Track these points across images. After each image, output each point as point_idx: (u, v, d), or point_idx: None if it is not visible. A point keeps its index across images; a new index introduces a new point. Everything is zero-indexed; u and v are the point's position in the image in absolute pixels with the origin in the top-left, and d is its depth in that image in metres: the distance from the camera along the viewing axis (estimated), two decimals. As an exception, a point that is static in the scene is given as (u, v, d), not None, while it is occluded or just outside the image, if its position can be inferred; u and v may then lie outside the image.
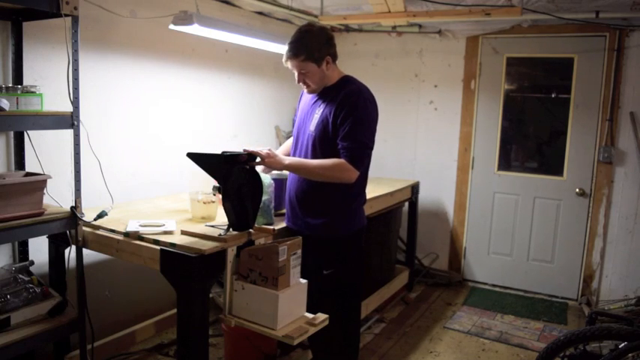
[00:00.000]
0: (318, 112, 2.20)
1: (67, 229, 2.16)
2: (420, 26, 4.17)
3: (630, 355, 2.11)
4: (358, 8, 3.70)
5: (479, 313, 3.78)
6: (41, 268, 2.41)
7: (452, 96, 4.27)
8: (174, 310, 2.31)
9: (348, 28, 4.44)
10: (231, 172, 1.93)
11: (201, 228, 2.13)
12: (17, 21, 2.28)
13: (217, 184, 1.98)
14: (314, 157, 2.20)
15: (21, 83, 2.29)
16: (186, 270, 1.89)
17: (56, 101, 2.30)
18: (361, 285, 2.47)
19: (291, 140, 2.54)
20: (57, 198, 2.37)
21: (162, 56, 3.09)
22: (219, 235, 1.98)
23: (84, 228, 2.22)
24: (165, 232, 2.10)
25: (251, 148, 2.06)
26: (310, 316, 2.03)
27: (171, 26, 2.47)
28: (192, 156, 1.94)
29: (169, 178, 3.19)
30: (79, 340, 2.29)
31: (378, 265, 3.61)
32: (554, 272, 4.09)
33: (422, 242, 4.45)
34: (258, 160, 2.05)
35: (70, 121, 2.07)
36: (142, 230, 2.11)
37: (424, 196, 4.34)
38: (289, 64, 2.19)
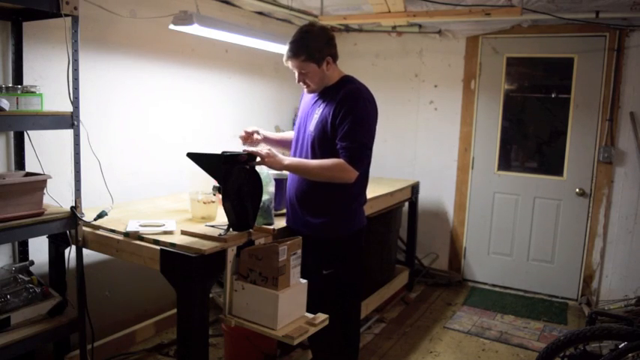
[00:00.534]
0: (318, 112, 2.20)
1: (67, 229, 2.16)
2: (420, 26, 4.17)
3: (630, 355, 2.11)
4: (358, 8, 3.70)
5: (479, 313, 3.78)
6: (41, 268, 2.41)
7: (452, 96, 4.27)
8: (174, 310, 2.31)
9: (348, 28, 4.44)
10: (231, 172, 1.93)
11: (201, 228, 2.13)
12: (17, 21, 2.27)
13: (217, 184, 1.98)
14: (313, 157, 2.20)
15: (21, 83, 2.29)
16: (186, 270, 1.89)
17: (56, 101, 2.30)
18: (361, 285, 2.47)
19: (288, 133, 2.55)
20: (57, 198, 2.37)
21: (162, 56, 3.09)
22: (219, 235, 1.98)
23: (84, 228, 2.22)
24: (165, 232, 2.10)
25: (251, 148, 2.07)
26: (310, 316, 2.03)
27: (171, 26, 2.47)
28: (193, 156, 1.94)
29: (169, 178, 3.19)
30: (79, 340, 2.29)
31: (378, 265, 3.61)
32: (554, 272, 4.09)
33: (422, 242, 4.45)
34: (258, 160, 2.05)
35: (70, 121, 2.07)
36: (142, 230, 2.11)
37: (424, 196, 4.33)
38: (289, 64, 2.19)
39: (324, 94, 2.22)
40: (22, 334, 2.02)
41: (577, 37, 3.81)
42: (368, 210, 2.77)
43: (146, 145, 3.05)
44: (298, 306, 2.03)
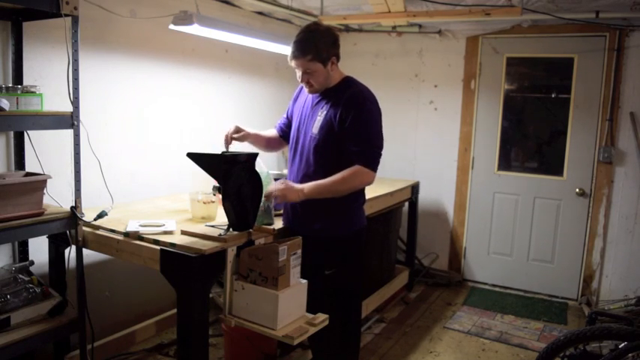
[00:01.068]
0: (321, 114, 2.18)
1: (67, 229, 2.16)
2: (420, 26, 4.17)
3: (630, 355, 2.11)
4: (358, 8, 3.70)
5: (479, 313, 3.78)
6: (41, 268, 2.41)
7: (452, 96, 4.27)
8: (174, 310, 2.31)
9: (348, 28, 4.44)
10: (231, 172, 1.93)
11: (201, 228, 2.13)
12: (17, 21, 2.27)
13: (217, 184, 1.98)
14: (316, 159, 2.18)
15: (21, 83, 2.29)
16: (186, 270, 1.89)
17: (56, 101, 2.30)
18: (361, 285, 2.47)
19: (270, 131, 2.53)
20: (57, 198, 2.37)
21: (163, 56, 3.09)
22: (219, 235, 1.98)
23: (84, 228, 2.22)
24: (165, 232, 2.10)
25: (269, 187, 2.09)
26: (310, 316, 2.03)
27: (171, 26, 2.47)
28: (193, 156, 1.93)
29: (169, 178, 3.18)
30: (79, 340, 2.29)
31: (378, 265, 3.61)
32: (554, 272, 4.09)
33: (422, 242, 4.45)
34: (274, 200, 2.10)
35: (70, 121, 2.07)
36: (142, 230, 2.11)
37: (424, 196, 4.33)
38: (294, 63, 2.15)
39: (326, 96, 2.21)
40: (22, 334, 2.02)
41: (577, 37, 3.81)
42: (368, 210, 2.77)
43: (146, 145, 3.05)
44: (298, 306, 2.03)
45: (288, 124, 2.46)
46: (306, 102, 2.31)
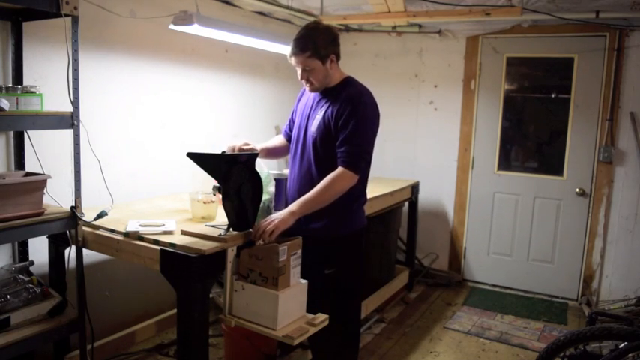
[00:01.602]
0: (320, 113, 2.19)
1: (67, 229, 2.16)
2: (420, 26, 4.17)
3: (630, 355, 2.11)
4: (358, 8, 3.70)
5: (479, 313, 3.78)
6: (41, 268, 2.41)
7: (452, 96, 4.27)
8: (174, 310, 2.31)
9: (348, 28, 4.44)
10: (231, 172, 1.93)
11: (201, 228, 2.13)
12: (17, 21, 2.27)
13: (217, 184, 1.98)
14: (315, 157, 2.19)
15: (21, 83, 2.29)
16: (186, 270, 1.89)
17: (56, 101, 2.30)
18: (362, 285, 2.47)
19: (276, 139, 2.53)
20: (57, 198, 2.37)
21: (162, 56, 3.09)
22: (219, 235, 1.98)
23: (84, 228, 2.22)
24: (165, 232, 2.10)
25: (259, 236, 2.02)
26: (310, 316, 2.03)
27: (171, 26, 2.47)
28: (193, 156, 1.93)
29: (169, 178, 3.18)
30: (79, 340, 2.29)
31: (378, 265, 3.61)
32: (554, 272, 4.09)
33: (422, 242, 4.44)
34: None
35: (70, 121, 2.07)
36: (141, 230, 2.11)
37: (424, 196, 4.33)
38: (294, 60, 2.16)
39: (327, 95, 2.21)
40: (22, 334, 2.02)
41: (577, 37, 3.81)
42: (368, 210, 2.77)
43: (146, 145, 3.05)
44: (298, 306, 2.03)
45: (292, 127, 2.46)
46: (308, 102, 2.32)
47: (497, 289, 4.29)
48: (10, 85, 2.22)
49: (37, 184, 2.04)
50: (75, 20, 2.04)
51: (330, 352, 2.35)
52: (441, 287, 4.31)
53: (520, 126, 4.23)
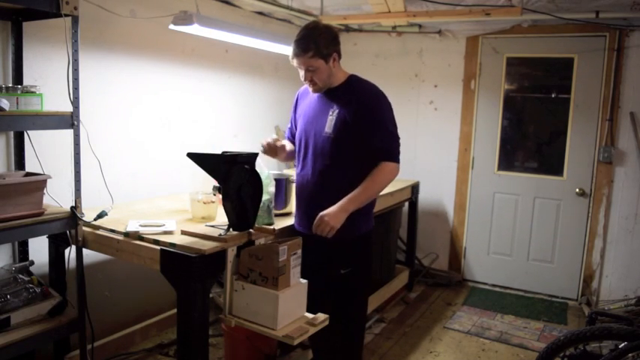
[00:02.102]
0: (333, 113, 2.17)
1: (67, 229, 2.16)
2: (420, 26, 4.17)
3: (630, 355, 2.11)
4: (358, 8, 3.70)
5: (479, 313, 3.78)
6: (41, 268, 2.41)
7: (452, 96, 4.27)
8: (174, 310, 2.31)
9: (348, 28, 4.44)
10: (231, 172, 1.93)
11: (201, 228, 2.13)
12: (17, 21, 2.27)
13: (217, 184, 1.98)
14: (332, 157, 2.17)
15: (21, 83, 2.29)
16: (186, 270, 1.88)
17: (56, 101, 2.30)
18: (368, 287, 2.45)
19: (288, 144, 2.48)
20: (57, 198, 2.37)
21: (163, 56, 3.09)
22: (220, 235, 1.98)
23: (84, 228, 2.22)
24: (165, 232, 2.10)
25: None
26: (310, 316, 2.03)
27: (171, 26, 2.47)
28: (193, 156, 1.93)
29: (169, 178, 3.18)
30: (79, 340, 2.29)
31: (378, 265, 3.61)
32: (554, 272, 4.09)
33: (422, 242, 4.44)
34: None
35: (70, 121, 2.07)
36: (142, 230, 2.11)
37: (424, 196, 4.33)
38: (296, 62, 2.15)
39: (335, 95, 2.20)
40: (22, 334, 2.02)
41: (577, 37, 3.81)
42: (368, 210, 2.76)
43: (146, 145, 3.05)
44: (298, 306, 2.03)
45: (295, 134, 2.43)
46: (311, 104, 2.29)
47: (497, 289, 4.29)
48: (10, 85, 2.22)
49: (37, 184, 2.04)
50: (75, 20, 2.04)
51: (331, 352, 2.34)
52: (441, 287, 4.31)
53: (520, 126, 4.23)
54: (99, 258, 2.74)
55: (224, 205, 1.94)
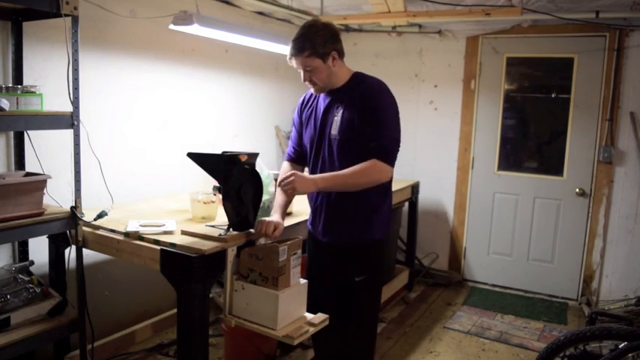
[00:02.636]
0: (338, 114, 2.10)
1: (67, 229, 2.16)
2: (420, 26, 4.17)
3: (630, 355, 2.11)
4: (358, 8, 3.70)
5: (479, 313, 3.78)
6: (41, 268, 2.41)
7: (452, 96, 4.27)
8: (174, 310, 2.31)
9: (348, 28, 4.44)
10: (231, 172, 1.93)
11: (201, 228, 2.13)
12: (17, 21, 2.27)
13: (217, 184, 1.98)
14: (341, 160, 2.09)
15: (21, 83, 2.29)
16: (186, 270, 1.88)
17: (56, 101, 2.30)
18: (378, 295, 2.34)
19: (283, 170, 2.33)
20: (57, 198, 2.37)
21: (163, 56, 3.09)
22: (220, 235, 1.98)
23: (84, 228, 2.22)
24: (166, 232, 2.10)
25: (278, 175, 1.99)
26: (310, 316, 2.03)
27: (171, 26, 2.47)
28: (193, 156, 1.93)
29: (169, 178, 3.18)
30: (79, 340, 2.29)
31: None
32: (554, 272, 4.09)
33: (422, 242, 4.44)
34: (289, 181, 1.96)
35: (70, 121, 2.07)
36: (142, 230, 2.11)
37: (424, 196, 4.33)
38: (294, 62, 2.08)
39: (339, 95, 2.12)
40: (22, 334, 2.02)
41: (577, 37, 3.81)
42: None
43: (146, 145, 3.05)
44: (298, 306, 2.03)
45: (299, 144, 2.31)
46: (316, 108, 2.21)
47: (497, 289, 4.29)
48: (10, 85, 2.22)
49: (37, 184, 2.04)
50: (75, 20, 2.04)
51: (333, 352, 2.33)
52: (441, 287, 4.31)
53: (520, 126, 4.23)
54: (99, 258, 2.74)
55: (224, 205, 1.94)
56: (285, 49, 2.14)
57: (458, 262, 4.42)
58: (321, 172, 2.15)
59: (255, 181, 2.04)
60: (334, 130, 2.10)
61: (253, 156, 2.04)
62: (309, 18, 3.84)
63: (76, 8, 2.01)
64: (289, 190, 1.96)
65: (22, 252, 2.40)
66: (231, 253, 1.98)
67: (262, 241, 2.08)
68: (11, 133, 2.35)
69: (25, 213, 1.98)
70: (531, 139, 4.21)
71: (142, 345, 2.96)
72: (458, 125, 4.27)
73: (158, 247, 1.98)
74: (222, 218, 2.14)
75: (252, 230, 2.06)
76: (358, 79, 2.16)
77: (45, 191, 2.10)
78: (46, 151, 2.43)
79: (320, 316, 2.02)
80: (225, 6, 3.47)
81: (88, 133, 2.27)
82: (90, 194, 2.40)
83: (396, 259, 4.04)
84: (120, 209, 2.50)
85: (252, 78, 3.88)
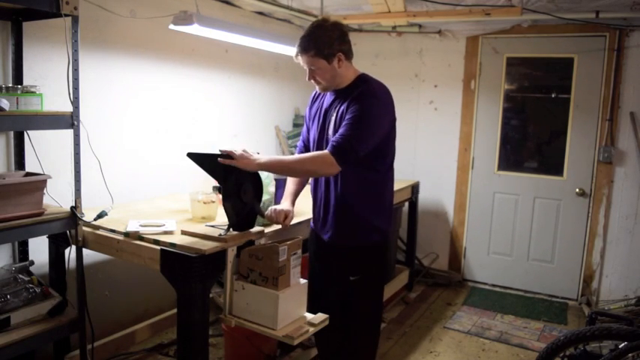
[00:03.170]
0: (335, 114, 2.09)
1: (67, 229, 2.16)
2: (420, 26, 4.17)
3: (630, 355, 2.11)
4: (358, 8, 3.70)
5: (479, 313, 3.78)
6: (41, 268, 2.41)
7: (452, 96, 4.27)
8: (175, 310, 2.31)
9: (348, 28, 4.43)
10: (231, 172, 1.93)
11: (201, 228, 2.13)
12: (17, 21, 2.27)
13: (217, 184, 1.97)
14: None
15: (21, 83, 2.29)
16: (186, 270, 1.88)
17: (56, 101, 2.30)
18: (379, 294, 2.35)
19: (291, 183, 2.32)
20: (57, 198, 2.37)
21: (163, 56, 3.09)
22: (220, 235, 1.98)
23: (84, 228, 2.22)
24: (166, 232, 2.10)
25: (226, 147, 1.94)
26: (310, 316, 2.03)
27: (171, 26, 2.47)
28: (193, 156, 1.93)
29: (169, 178, 3.18)
30: (79, 340, 2.29)
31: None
32: (554, 272, 4.09)
33: (422, 242, 4.44)
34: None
35: (70, 121, 2.07)
36: (142, 230, 2.11)
37: (424, 196, 4.33)
38: (300, 60, 2.07)
39: (341, 96, 2.11)
40: (22, 334, 2.02)
41: (577, 37, 3.81)
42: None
43: (146, 145, 3.05)
44: (298, 306, 2.03)
45: (307, 138, 2.31)
46: (322, 107, 2.20)
47: (497, 289, 4.29)
48: (10, 85, 2.22)
49: (37, 184, 2.04)
50: (75, 20, 2.04)
51: (334, 352, 2.33)
52: (441, 287, 4.31)
53: (520, 126, 4.23)
54: (99, 258, 2.74)
55: (224, 205, 1.94)
56: (285, 49, 2.15)
57: (458, 262, 4.42)
58: None
59: (255, 181, 2.04)
60: (330, 129, 2.11)
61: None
62: (309, 18, 3.84)
63: (76, 8, 2.01)
64: (232, 161, 1.88)
65: (22, 252, 2.40)
66: (231, 253, 1.98)
67: (262, 240, 2.08)
68: (11, 133, 2.35)
69: (25, 213, 1.98)
70: (531, 139, 4.21)
71: (142, 345, 2.96)
72: (458, 125, 4.27)
73: (158, 247, 1.98)
74: (222, 218, 2.14)
75: (252, 230, 2.06)
76: (361, 81, 2.14)
77: (45, 191, 2.10)
78: (46, 151, 2.43)
79: (320, 316, 2.02)
80: (225, 6, 3.47)
81: (88, 133, 2.27)
82: (90, 194, 2.40)
83: (396, 259, 4.04)
84: (120, 209, 2.50)
85: (252, 78, 3.88)
